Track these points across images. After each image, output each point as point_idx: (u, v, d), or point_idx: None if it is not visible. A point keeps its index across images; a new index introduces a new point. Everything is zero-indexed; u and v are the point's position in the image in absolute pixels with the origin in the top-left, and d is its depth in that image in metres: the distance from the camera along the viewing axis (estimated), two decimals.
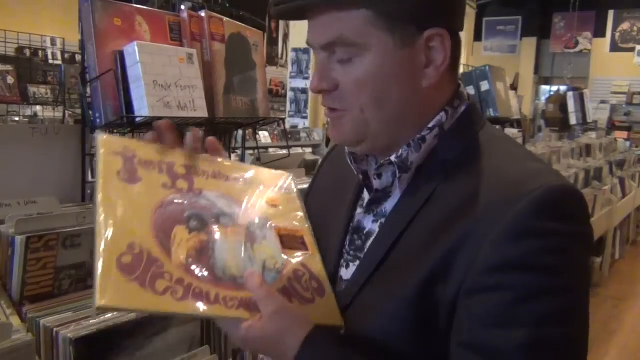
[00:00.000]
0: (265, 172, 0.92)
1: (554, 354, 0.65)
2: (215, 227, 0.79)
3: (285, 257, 0.82)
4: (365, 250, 0.81)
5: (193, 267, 0.73)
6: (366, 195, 0.86)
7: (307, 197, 1.03)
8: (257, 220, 0.84)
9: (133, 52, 1.38)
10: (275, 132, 5.30)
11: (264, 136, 5.03)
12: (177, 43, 1.56)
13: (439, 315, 0.70)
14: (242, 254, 0.79)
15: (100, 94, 1.41)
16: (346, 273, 0.84)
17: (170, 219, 0.77)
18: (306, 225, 0.89)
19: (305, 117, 5.68)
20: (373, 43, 0.73)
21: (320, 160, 1.16)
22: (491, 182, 0.72)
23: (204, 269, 0.74)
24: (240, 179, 0.88)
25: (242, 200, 0.85)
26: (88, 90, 1.45)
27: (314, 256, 0.85)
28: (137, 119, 1.37)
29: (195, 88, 1.50)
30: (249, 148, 2.11)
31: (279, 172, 0.94)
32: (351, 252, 0.84)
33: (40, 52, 5.32)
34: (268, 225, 0.84)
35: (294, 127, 5.36)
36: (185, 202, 0.80)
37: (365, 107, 0.76)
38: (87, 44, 1.41)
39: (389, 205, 0.81)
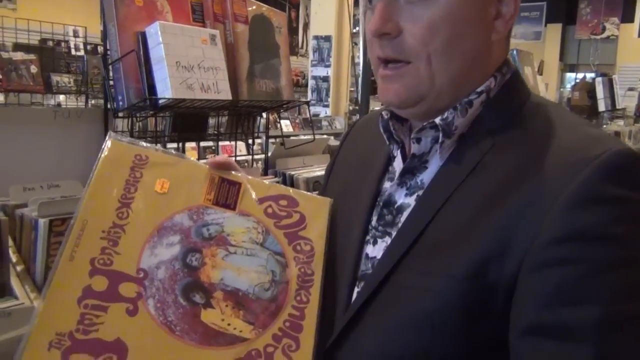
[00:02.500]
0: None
1: (632, 330, 0.59)
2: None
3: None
4: (399, 225, 0.76)
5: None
6: (396, 169, 0.81)
7: (328, 177, 0.99)
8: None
9: (155, 32, 1.35)
10: (297, 121, 5.27)
11: (285, 125, 5.00)
12: (199, 24, 1.52)
13: (494, 296, 0.64)
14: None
15: (123, 77, 1.38)
16: (373, 250, 0.78)
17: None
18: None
19: (327, 106, 5.63)
20: None
21: None
22: (548, 150, 0.67)
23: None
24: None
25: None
26: (110, 73, 1.43)
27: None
28: (160, 101, 1.34)
29: (218, 70, 1.47)
30: (273, 137, 2.06)
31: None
32: (379, 228, 0.79)
33: (62, 44, 5.35)
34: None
35: (316, 115, 5.32)
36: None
37: (434, 55, 0.70)
38: (108, 25, 1.38)
39: (426, 177, 0.76)
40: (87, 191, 0.74)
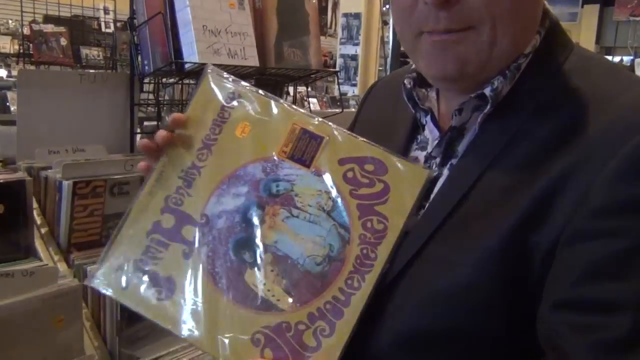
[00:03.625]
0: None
1: None
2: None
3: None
4: (431, 195, 0.70)
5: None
6: (428, 137, 0.76)
7: None
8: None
9: None
10: (324, 100, 5.22)
11: (312, 103, 4.96)
12: None
13: (531, 267, 0.60)
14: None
15: (149, 40, 1.36)
16: None
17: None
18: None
19: (355, 85, 5.56)
20: None
21: None
22: (597, 111, 0.61)
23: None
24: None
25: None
26: (136, 39, 1.41)
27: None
28: (187, 65, 1.31)
29: (246, 35, 1.43)
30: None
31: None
32: None
33: (94, 22, 5.38)
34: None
35: (344, 94, 5.26)
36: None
37: (500, 18, 0.62)
38: None
39: (461, 145, 0.70)
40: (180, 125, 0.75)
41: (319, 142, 0.72)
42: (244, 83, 0.75)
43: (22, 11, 3.67)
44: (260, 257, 0.69)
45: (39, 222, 1.16)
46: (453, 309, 0.63)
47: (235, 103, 0.74)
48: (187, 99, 1.59)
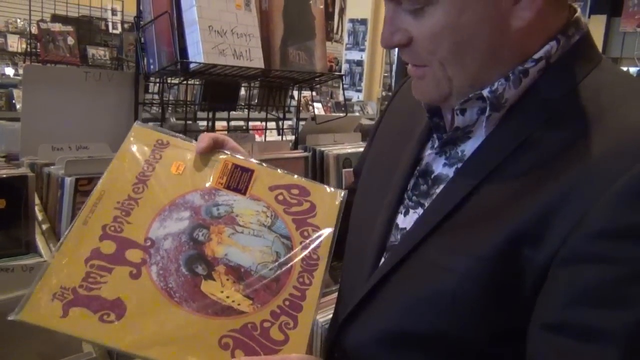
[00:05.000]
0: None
1: None
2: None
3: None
4: (433, 197, 0.70)
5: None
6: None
7: (373, 136, 0.95)
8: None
9: None
10: (329, 104, 5.22)
11: (316, 108, 4.95)
12: None
13: (522, 282, 0.59)
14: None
15: (155, 39, 1.36)
16: (403, 221, 0.73)
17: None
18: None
19: (360, 91, 5.56)
20: None
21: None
22: (608, 129, 0.59)
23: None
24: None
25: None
26: (142, 37, 1.41)
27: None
28: (192, 65, 1.31)
29: (251, 37, 1.43)
30: (303, 119, 1.99)
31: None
32: (413, 198, 0.73)
33: (102, 22, 5.40)
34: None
35: (348, 99, 5.26)
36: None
37: (445, 62, 0.64)
38: None
39: (468, 147, 0.69)
40: (109, 166, 0.79)
41: (250, 174, 0.84)
42: (168, 131, 0.86)
43: (30, 9, 3.69)
44: (214, 269, 0.73)
45: (40, 218, 1.17)
46: (437, 314, 0.63)
47: (165, 146, 0.84)
48: (192, 100, 1.59)
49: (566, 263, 0.56)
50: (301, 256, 0.77)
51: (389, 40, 0.67)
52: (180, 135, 0.87)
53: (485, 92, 0.65)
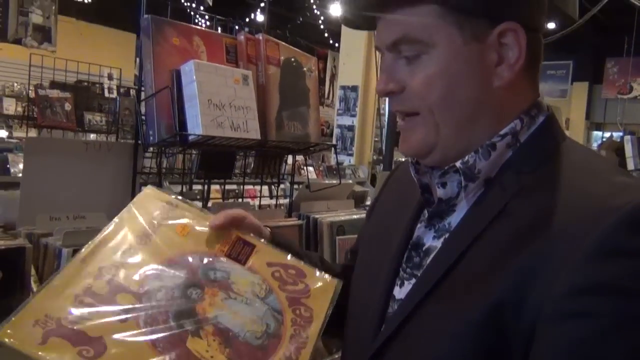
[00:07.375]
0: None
1: None
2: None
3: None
4: (424, 267, 0.75)
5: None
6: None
7: (369, 214, 0.99)
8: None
9: (190, 70, 1.37)
10: (321, 168, 5.28)
11: (310, 171, 5.01)
12: (232, 64, 1.55)
13: (511, 344, 0.62)
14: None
15: (155, 112, 1.40)
16: (400, 292, 0.77)
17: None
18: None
19: (351, 155, 5.65)
20: (440, 39, 0.69)
21: (368, 192, 1.10)
22: (573, 197, 0.65)
23: None
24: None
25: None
26: (143, 109, 1.45)
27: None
28: (190, 137, 1.35)
29: (249, 109, 1.48)
30: (297, 183, 2.03)
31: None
32: (407, 270, 0.78)
33: (97, 87, 5.52)
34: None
35: (340, 163, 5.33)
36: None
37: (434, 107, 0.72)
38: (144, 61, 1.41)
39: (453, 220, 0.75)
40: (119, 216, 0.83)
41: (252, 248, 0.88)
42: (180, 197, 0.91)
43: (29, 75, 3.77)
44: (202, 327, 0.73)
45: (35, 289, 1.16)
46: None
47: (173, 208, 0.88)
48: (189, 168, 1.62)
49: (549, 321, 0.60)
50: (291, 332, 0.78)
51: (386, 87, 0.74)
52: (192, 202, 0.91)
53: (458, 164, 0.72)
